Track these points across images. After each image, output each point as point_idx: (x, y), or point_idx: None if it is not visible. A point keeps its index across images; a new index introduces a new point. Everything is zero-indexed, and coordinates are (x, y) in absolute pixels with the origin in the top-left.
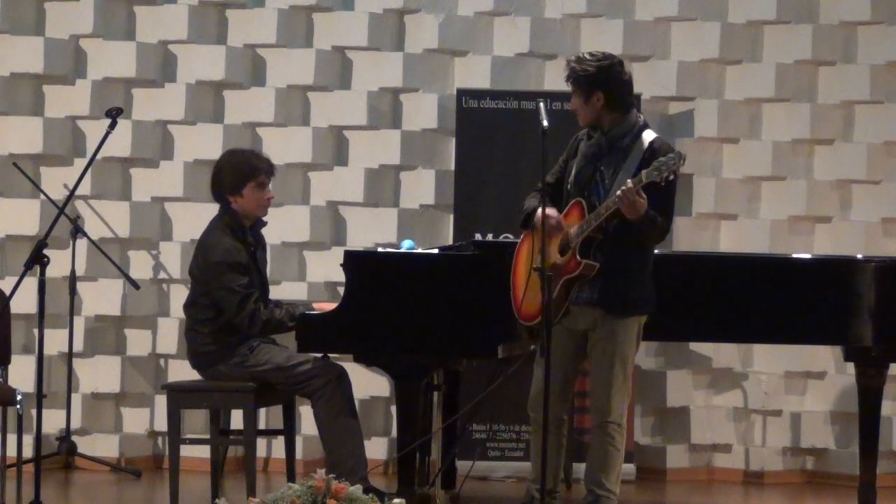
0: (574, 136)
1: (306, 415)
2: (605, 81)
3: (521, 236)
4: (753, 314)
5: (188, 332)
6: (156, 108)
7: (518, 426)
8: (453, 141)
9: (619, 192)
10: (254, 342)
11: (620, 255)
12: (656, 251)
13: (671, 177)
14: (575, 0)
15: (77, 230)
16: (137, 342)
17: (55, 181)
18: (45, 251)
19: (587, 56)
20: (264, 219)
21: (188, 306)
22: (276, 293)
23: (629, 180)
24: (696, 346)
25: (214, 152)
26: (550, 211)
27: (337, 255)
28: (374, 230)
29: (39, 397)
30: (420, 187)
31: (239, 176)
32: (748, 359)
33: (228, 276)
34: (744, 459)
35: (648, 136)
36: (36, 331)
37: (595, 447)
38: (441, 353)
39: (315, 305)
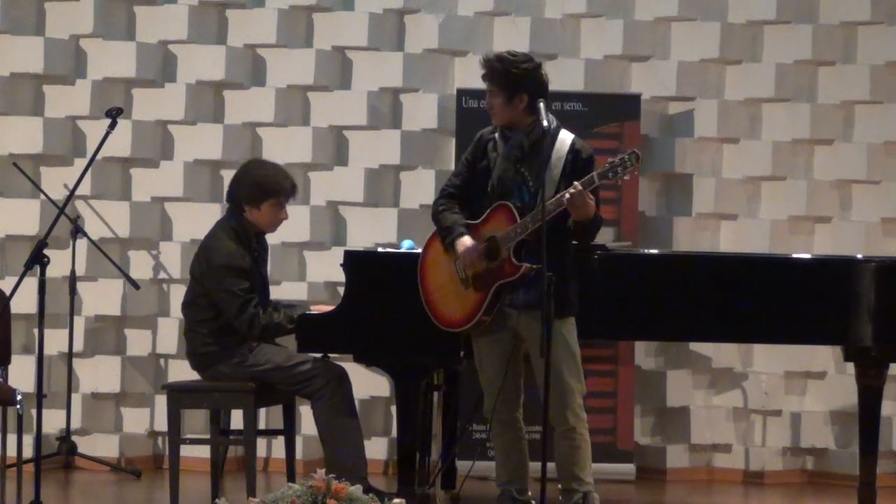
0: (478, 137)
1: (306, 415)
2: (529, 84)
3: (426, 242)
4: (753, 314)
5: (187, 333)
6: (156, 108)
7: None
8: (453, 141)
9: (568, 195)
10: (253, 342)
11: (555, 257)
12: (657, 251)
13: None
14: (575, 0)
15: (77, 230)
16: (137, 342)
17: (55, 181)
18: (45, 251)
19: (510, 56)
20: None
21: (186, 306)
22: (276, 293)
23: (576, 182)
24: (696, 346)
25: (214, 152)
26: (469, 243)
27: (337, 255)
28: (374, 230)
29: (39, 397)
30: (420, 187)
31: (261, 190)
32: (748, 359)
33: (230, 279)
34: (744, 459)
35: (566, 136)
36: (36, 331)
37: (562, 452)
38: (441, 353)
39: (313, 307)
